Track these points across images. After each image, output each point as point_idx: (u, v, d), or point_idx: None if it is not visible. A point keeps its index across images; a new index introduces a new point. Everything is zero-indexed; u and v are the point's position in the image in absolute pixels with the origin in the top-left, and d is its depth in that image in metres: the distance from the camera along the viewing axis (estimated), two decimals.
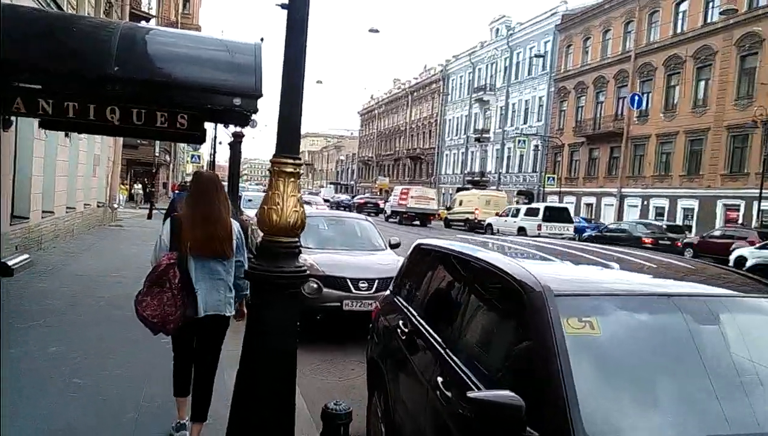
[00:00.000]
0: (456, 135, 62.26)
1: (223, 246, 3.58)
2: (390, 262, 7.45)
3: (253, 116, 8.17)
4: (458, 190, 57.32)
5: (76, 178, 14.43)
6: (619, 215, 36.49)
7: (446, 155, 64.55)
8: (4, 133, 8.72)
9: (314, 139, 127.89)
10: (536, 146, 45.52)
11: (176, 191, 13.93)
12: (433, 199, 38.19)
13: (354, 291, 6.74)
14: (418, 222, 35.55)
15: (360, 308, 6.67)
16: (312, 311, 6.69)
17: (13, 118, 8.83)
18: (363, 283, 6.80)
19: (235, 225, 3.72)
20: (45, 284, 8.45)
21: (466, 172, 58.32)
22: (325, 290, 6.69)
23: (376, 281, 6.85)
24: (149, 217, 24.44)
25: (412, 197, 36.06)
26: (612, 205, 37.80)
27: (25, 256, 9.62)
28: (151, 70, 7.16)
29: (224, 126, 9.81)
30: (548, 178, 41.24)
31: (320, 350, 6.56)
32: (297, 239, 3.03)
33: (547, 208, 26.65)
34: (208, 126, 9.41)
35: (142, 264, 10.92)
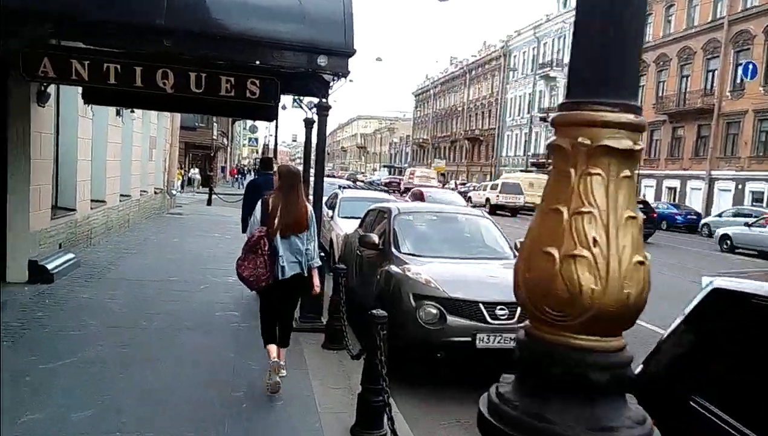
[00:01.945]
0: (519, 115, 59.15)
1: (302, 227, 4.57)
2: None
3: (338, 84, 6.35)
4: (521, 172, 55.02)
5: (130, 162, 13.09)
6: (708, 201, 33.16)
7: (507, 136, 61.53)
8: (39, 107, 7.23)
9: (367, 121, 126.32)
10: None
11: (255, 174, 13.50)
12: (434, 178, 48.69)
13: (490, 321, 4.85)
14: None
15: (499, 344, 4.80)
16: (431, 347, 4.87)
17: (50, 90, 7.32)
18: (501, 309, 4.90)
19: (309, 208, 4.72)
20: (88, 294, 6.95)
21: (529, 154, 55.34)
22: (449, 318, 4.83)
23: (519, 306, 4.94)
24: (209, 203, 23.22)
25: (417, 177, 46.24)
26: (699, 189, 34.41)
27: (70, 256, 8.20)
28: (211, 20, 5.41)
29: (296, 100, 8.03)
30: None
31: (447, 402, 4.74)
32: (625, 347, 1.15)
33: (503, 184, 35.46)
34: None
35: (205, 263, 9.42)
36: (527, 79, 57.13)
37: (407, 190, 40.88)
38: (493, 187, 35.59)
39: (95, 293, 7.01)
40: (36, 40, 5.25)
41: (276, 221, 4.44)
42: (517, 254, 5.96)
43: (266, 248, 4.40)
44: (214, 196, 23.73)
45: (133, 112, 11.88)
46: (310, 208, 4.72)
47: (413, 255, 5.78)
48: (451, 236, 6.37)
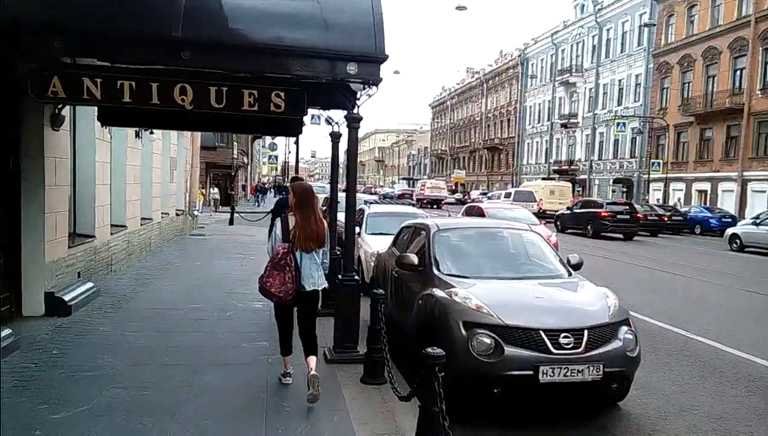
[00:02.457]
0: (538, 122, 58.43)
1: (319, 242, 4.80)
2: (593, 297, 4.95)
3: (366, 95, 5.87)
4: (542, 180, 54.16)
5: (151, 184, 12.78)
6: (741, 202, 32.04)
7: (528, 144, 60.76)
8: (53, 131, 6.88)
9: (385, 135, 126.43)
10: (634, 129, 41.24)
11: (284, 193, 13.87)
12: (443, 188, 51.98)
13: (554, 351, 4.27)
14: (430, 205, 42.65)
15: (566, 377, 4.22)
16: (486, 382, 4.30)
17: (64, 113, 6.97)
18: (566, 336, 4.32)
19: (325, 223, 4.96)
20: (106, 327, 6.52)
21: (551, 161, 54.50)
22: (507, 348, 4.27)
23: (586, 333, 4.37)
24: (230, 222, 22.91)
25: (427, 188, 49.92)
26: (732, 190, 33.27)
27: (89, 285, 7.82)
28: (231, 30, 4.99)
29: (314, 119, 7.58)
30: (653, 163, 37.11)
31: None
32: None
33: (516, 192, 36.30)
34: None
35: (229, 287, 8.96)
36: (546, 87, 56.46)
37: (419, 200, 44.63)
38: (507, 196, 36.16)
39: (114, 326, 6.57)
40: (46, 57, 4.87)
41: (298, 237, 4.69)
42: (571, 271, 5.38)
43: (292, 264, 4.63)
44: (235, 215, 23.43)
45: (152, 133, 11.57)
46: (325, 223, 4.97)
47: (458, 276, 5.23)
48: (496, 253, 5.80)
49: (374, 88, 5.60)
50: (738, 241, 21.29)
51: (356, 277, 5.76)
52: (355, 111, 5.61)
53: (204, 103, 5.24)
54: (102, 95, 5.04)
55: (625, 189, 43.00)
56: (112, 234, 9.69)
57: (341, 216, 11.53)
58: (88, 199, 8.56)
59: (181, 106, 5.19)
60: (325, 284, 4.95)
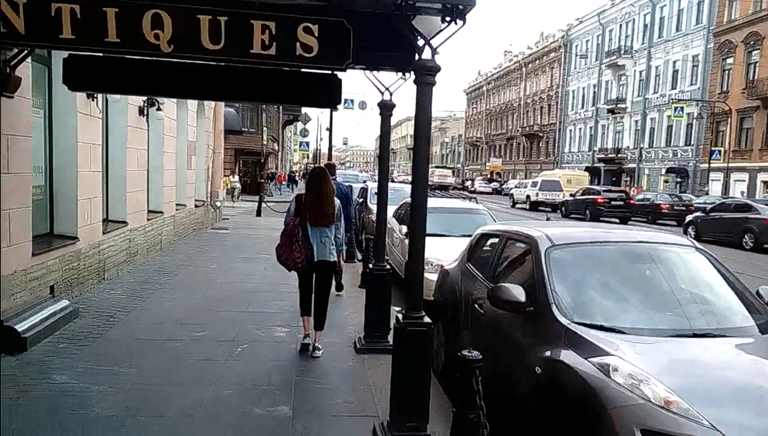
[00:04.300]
0: (582, 108, 55.29)
1: (328, 219, 5.34)
2: None
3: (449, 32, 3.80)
4: (586, 169, 51.26)
5: (162, 172, 10.97)
6: None
7: (570, 131, 57.65)
8: (7, 99, 4.99)
9: None
10: (691, 114, 38.07)
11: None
12: (449, 175, 58.62)
13: None
14: (438, 191, 44.54)
15: None
16: None
17: (22, 71, 5.08)
18: None
19: (337, 202, 5.47)
20: (66, 375, 4.60)
21: (595, 149, 51.38)
22: None
23: None
24: (258, 213, 21.08)
25: (436, 176, 51.08)
26: None
27: (63, 304, 5.98)
28: None
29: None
30: (713, 151, 34.07)
31: None
32: None
33: (543, 181, 36.04)
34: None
35: (247, 303, 7.11)
36: (591, 70, 53.23)
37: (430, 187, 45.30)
38: (533, 185, 36.73)
39: (79, 373, 4.68)
40: None
41: (308, 214, 5.26)
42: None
43: (300, 235, 5.21)
44: (264, 205, 21.62)
45: (159, 110, 9.70)
46: (337, 202, 5.47)
47: (603, 329, 3.15)
48: (651, 286, 3.60)
49: (458, 22, 3.53)
50: (695, 229, 20.28)
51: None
52: (429, 57, 3.52)
53: (191, 42, 3.27)
54: (28, 26, 3.09)
55: (679, 179, 39.87)
56: (105, 233, 7.86)
57: (392, 209, 9.67)
58: (68, 190, 6.72)
59: (153, 48, 3.21)
60: (335, 258, 5.49)
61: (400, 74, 5.28)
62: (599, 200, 27.40)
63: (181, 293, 7.62)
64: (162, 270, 9.14)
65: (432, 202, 10.14)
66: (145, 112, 9.35)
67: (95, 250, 7.47)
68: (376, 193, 14.31)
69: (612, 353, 2.85)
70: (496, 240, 4.70)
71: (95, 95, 7.05)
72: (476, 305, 4.29)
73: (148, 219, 10.06)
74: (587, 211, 27.14)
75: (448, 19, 3.47)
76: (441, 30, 3.61)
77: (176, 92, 4.98)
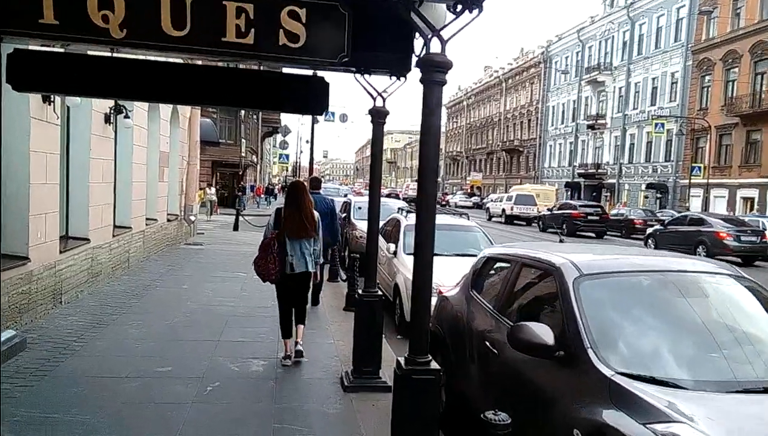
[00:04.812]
0: (562, 123, 55.50)
1: (308, 232, 5.52)
2: None
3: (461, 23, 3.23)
4: (566, 185, 51.44)
5: (131, 184, 10.22)
6: None
7: (550, 146, 57.81)
8: None
9: (399, 135, 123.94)
10: (671, 131, 38.27)
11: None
12: None
13: None
14: (413, 204, 48.18)
15: None
16: None
17: None
18: None
19: (316, 214, 5.69)
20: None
21: (575, 164, 51.48)
22: None
23: None
24: (235, 227, 20.29)
25: (410, 189, 57.84)
26: None
27: (7, 335, 5.21)
28: None
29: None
30: (693, 167, 34.19)
31: None
32: None
33: (517, 196, 36.92)
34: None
35: (221, 329, 6.42)
36: (571, 86, 53.50)
37: (403, 199, 43.67)
38: (508, 199, 37.59)
39: (19, 421, 3.95)
40: None
41: (287, 227, 5.48)
42: None
43: (275, 248, 5.43)
44: (241, 219, 20.83)
45: (127, 117, 8.98)
46: (316, 214, 5.72)
47: (655, 381, 2.56)
48: (704, 326, 3.06)
49: (473, 10, 2.95)
50: (654, 241, 22.12)
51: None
52: (437, 51, 2.91)
53: (148, 27, 2.64)
54: None
55: (659, 195, 40.03)
56: (63, 251, 7.10)
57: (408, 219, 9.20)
58: (18, 205, 5.98)
59: (101, 32, 2.57)
60: (314, 270, 5.67)
61: (394, 78, 4.72)
62: (576, 215, 27.99)
63: (146, 318, 6.87)
64: (128, 291, 8.37)
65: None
66: (112, 120, 8.63)
67: (50, 271, 6.70)
68: (359, 208, 13.95)
69: (678, 419, 2.26)
70: (506, 265, 4.10)
71: (52, 99, 6.36)
72: (487, 342, 3.68)
73: (114, 235, 9.29)
74: (564, 226, 27.24)
75: (460, 7, 2.88)
76: (452, 21, 3.04)
77: (138, 94, 4.30)
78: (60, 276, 7.00)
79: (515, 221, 35.23)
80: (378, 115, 5.04)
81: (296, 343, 5.59)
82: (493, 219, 37.06)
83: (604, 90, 48.45)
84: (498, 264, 4.34)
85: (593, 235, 27.20)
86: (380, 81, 5.01)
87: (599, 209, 29.60)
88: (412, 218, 9.26)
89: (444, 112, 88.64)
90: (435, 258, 7.85)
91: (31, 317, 6.19)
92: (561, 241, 4.47)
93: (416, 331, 3.09)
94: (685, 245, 18.94)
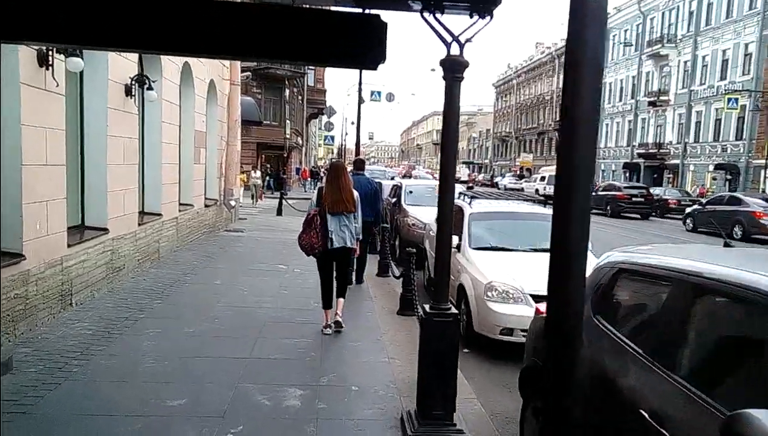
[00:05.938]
0: (620, 100, 52.44)
1: (347, 207, 5.79)
2: None
3: None
4: (624, 166, 48.74)
5: (160, 167, 9.20)
6: None
7: (607, 125, 54.79)
8: None
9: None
10: (744, 107, 35.22)
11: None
12: (428, 171, 58.09)
13: None
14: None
15: None
16: None
17: None
18: None
19: (355, 193, 5.97)
20: None
21: (635, 143, 48.53)
22: None
23: None
24: (278, 212, 19.29)
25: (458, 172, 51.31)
26: None
27: None
28: None
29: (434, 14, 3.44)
30: None
31: None
32: None
33: (550, 176, 38.00)
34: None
35: (253, 341, 5.33)
36: (630, 61, 50.32)
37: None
38: (542, 179, 39.43)
39: None
40: None
41: (327, 204, 5.76)
42: None
43: (318, 223, 5.71)
44: (285, 204, 19.82)
45: (151, 89, 7.90)
46: (355, 193, 5.97)
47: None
48: None
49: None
50: (692, 221, 22.34)
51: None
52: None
53: None
54: None
55: (729, 176, 37.06)
56: (72, 245, 6.06)
57: (427, 212, 8.28)
58: (9, 192, 4.92)
59: None
60: (354, 246, 5.98)
61: (475, 17, 3.36)
62: (620, 196, 27.73)
63: (166, 326, 5.78)
64: (152, 289, 7.33)
65: (490, 205, 8.21)
66: (134, 93, 7.56)
67: (54, 269, 5.67)
68: (410, 192, 12.60)
69: None
70: (662, 285, 2.70)
71: (50, 62, 5.26)
72: (643, 412, 2.33)
73: (140, 224, 8.29)
74: (608, 207, 27.26)
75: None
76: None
77: (132, 41, 3.10)
78: (69, 274, 5.97)
79: (548, 203, 33.76)
80: (453, 68, 3.64)
81: (336, 314, 5.89)
82: None
83: (668, 64, 45.22)
84: (641, 282, 2.94)
85: (638, 216, 27.30)
86: (455, 22, 3.67)
87: (644, 191, 29.09)
88: (478, 205, 7.90)
89: (492, 91, 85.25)
90: (509, 254, 6.45)
91: (29, 326, 5.18)
92: (726, 244, 3.04)
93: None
94: (723, 225, 18.70)
